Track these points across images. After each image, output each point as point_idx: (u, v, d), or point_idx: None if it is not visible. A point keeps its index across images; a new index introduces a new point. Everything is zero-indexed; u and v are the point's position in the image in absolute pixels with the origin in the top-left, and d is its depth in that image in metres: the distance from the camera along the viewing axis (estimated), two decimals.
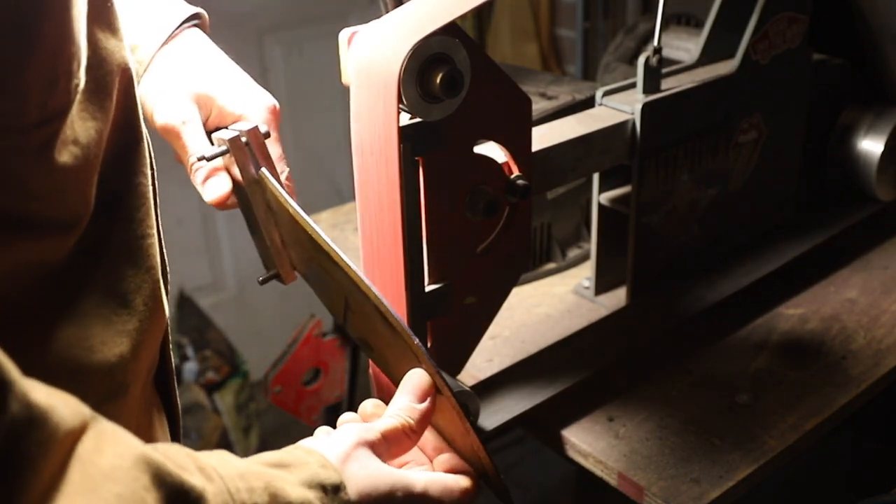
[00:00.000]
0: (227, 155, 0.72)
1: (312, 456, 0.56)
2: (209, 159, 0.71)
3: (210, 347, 1.97)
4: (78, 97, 0.49)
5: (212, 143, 0.75)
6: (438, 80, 0.71)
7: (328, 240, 0.67)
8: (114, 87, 0.54)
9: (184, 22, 0.78)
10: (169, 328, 0.66)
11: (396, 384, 0.68)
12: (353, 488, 0.56)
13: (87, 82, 0.50)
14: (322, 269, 0.70)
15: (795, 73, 1.13)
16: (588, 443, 0.92)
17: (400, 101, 0.71)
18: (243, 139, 0.71)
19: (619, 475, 0.88)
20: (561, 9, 2.23)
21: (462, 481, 0.65)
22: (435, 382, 0.64)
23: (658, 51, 0.99)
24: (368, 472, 0.58)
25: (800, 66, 1.14)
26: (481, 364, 1.02)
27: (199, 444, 1.86)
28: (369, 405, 0.67)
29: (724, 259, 1.15)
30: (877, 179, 1.22)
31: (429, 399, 0.64)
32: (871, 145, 1.22)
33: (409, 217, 0.75)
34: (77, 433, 0.43)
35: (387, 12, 0.77)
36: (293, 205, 0.69)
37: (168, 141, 0.76)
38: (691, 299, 1.08)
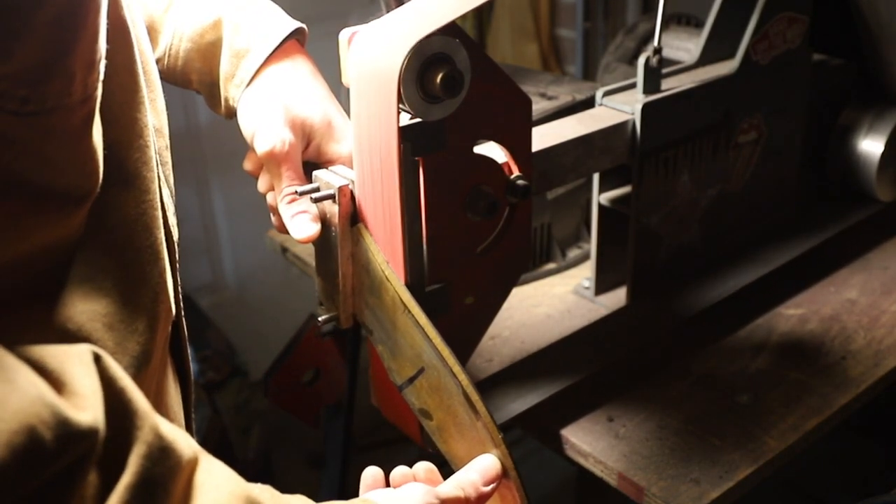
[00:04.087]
0: (331, 200, 0.75)
1: None
2: (315, 201, 0.75)
3: (210, 347, 1.97)
4: None
5: (308, 177, 0.78)
6: (439, 80, 0.71)
7: (423, 313, 0.70)
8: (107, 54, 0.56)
9: (289, 35, 0.81)
10: (181, 297, 0.67)
11: (452, 458, 0.72)
12: None
13: None
14: (400, 333, 0.73)
15: (795, 73, 1.13)
16: (588, 443, 0.92)
17: (400, 101, 0.71)
18: (351, 189, 0.75)
19: (619, 475, 0.88)
20: (561, 9, 2.23)
21: None
22: (505, 467, 0.67)
23: (658, 51, 0.99)
24: None
25: (800, 67, 1.14)
26: (481, 364, 1.02)
27: (199, 443, 1.85)
28: (422, 470, 0.68)
29: (724, 259, 1.15)
30: (877, 179, 1.22)
31: (492, 486, 0.66)
32: (871, 145, 1.22)
33: (409, 217, 0.75)
34: (193, 464, 0.50)
35: (388, 12, 0.77)
36: (390, 269, 0.73)
37: (265, 164, 0.78)
38: (691, 299, 1.08)
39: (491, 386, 0.94)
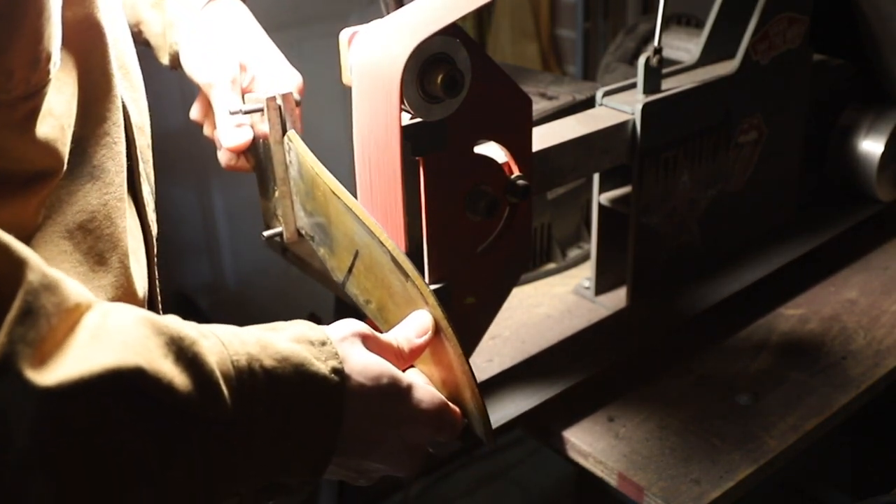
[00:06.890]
0: (260, 114, 0.79)
1: (302, 322, 0.60)
2: (245, 113, 0.79)
3: None
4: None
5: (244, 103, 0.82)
6: (439, 81, 0.71)
7: (350, 196, 0.71)
8: (79, 54, 0.58)
9: None
10: (158, 290, 0.71)
11: None
12: (346, 365, 0.59)
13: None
14: (334, 225, 0.74)
15: (795, 73, 1.13)
16: (588, 443, 0.92)
17: (401, 101, 0.71)
18: (278, 101, 0.78)
19: (619, 475, 0.88)
20: (561, 9, 2.23)
21: (448, 402, 0.67)
22: (438, 324, 0.67)
23: (658, 51, 0.99)
24: (361, 356, 0.61)
25: (800, 67, 1.14)
26: (481, 364, 1.02)
27: None
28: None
29: (724, 259, 1.15)
30: (877, 180, 1.22)
31: (425, 338, 0.66)
32: (872, 145, 1.22)
33: (409, 217, 0.75)
34: (84, 308, 0.49)
35: (388, 13, 0.77)
36: (319, 165, 0.75)
37: (210, 95, 0.83)
38: (691, 300, 1.08)
39: (491, 386, 0.94)
